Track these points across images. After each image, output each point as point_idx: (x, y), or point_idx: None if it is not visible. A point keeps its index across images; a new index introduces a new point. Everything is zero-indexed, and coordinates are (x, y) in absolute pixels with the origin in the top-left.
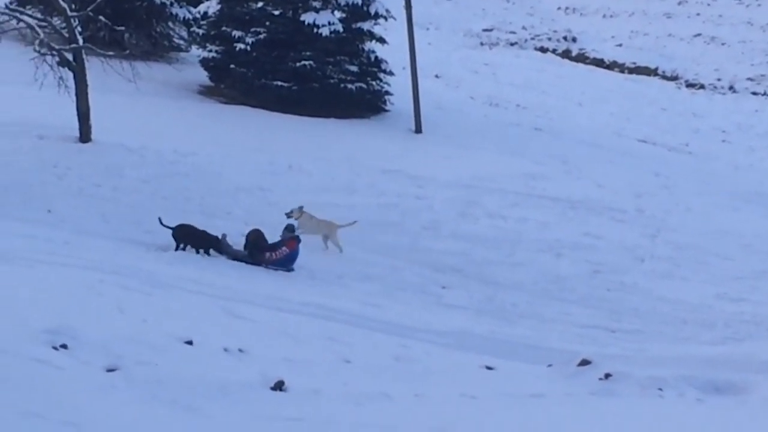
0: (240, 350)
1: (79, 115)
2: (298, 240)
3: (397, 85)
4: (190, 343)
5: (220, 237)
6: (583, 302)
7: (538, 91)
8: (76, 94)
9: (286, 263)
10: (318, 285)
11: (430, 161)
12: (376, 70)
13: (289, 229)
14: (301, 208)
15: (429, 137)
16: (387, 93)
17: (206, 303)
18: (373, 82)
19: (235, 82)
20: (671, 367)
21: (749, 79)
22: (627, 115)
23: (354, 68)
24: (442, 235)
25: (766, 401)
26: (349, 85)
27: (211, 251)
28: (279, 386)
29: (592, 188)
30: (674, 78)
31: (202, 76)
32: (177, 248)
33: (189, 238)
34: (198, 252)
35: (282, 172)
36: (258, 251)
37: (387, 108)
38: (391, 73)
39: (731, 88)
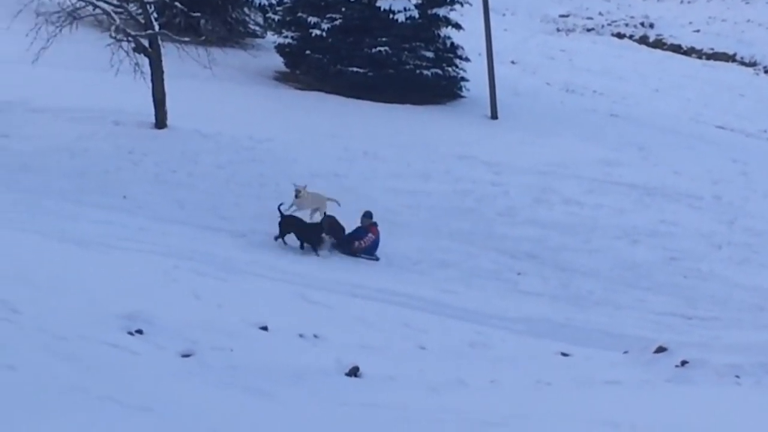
0: (315, 336)
1: (154, 101)
2: (376, 225)
3: (473, 71)
4: (265, 328)
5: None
6: (659, 289)
7: (615, 77)
8: (152, 80)
9: (372, 250)
10: (394, 271)
11: (506, 147)
12: (452, 56)
13: (367, 215)
14: (304, 186)
15: (505, 123)
16: (463, 79)
17: (281, 289)
18: (449, 68)
19: (311, 68)
20: (748, 354)
21: None
22: (704, 101)
23: (430, 54)
24: (517, 221)
25: None
26: (425, 71)
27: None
28: (354, 372)
29: (668, 175)
30: (753, 64)
31: (278, 62)
32: (277, 238)
33: (293, 228)
34: (302, 246)
35: (357, 158)
36: (346, 242)
37: (463, 94)
38: (467, 59)
39: None
